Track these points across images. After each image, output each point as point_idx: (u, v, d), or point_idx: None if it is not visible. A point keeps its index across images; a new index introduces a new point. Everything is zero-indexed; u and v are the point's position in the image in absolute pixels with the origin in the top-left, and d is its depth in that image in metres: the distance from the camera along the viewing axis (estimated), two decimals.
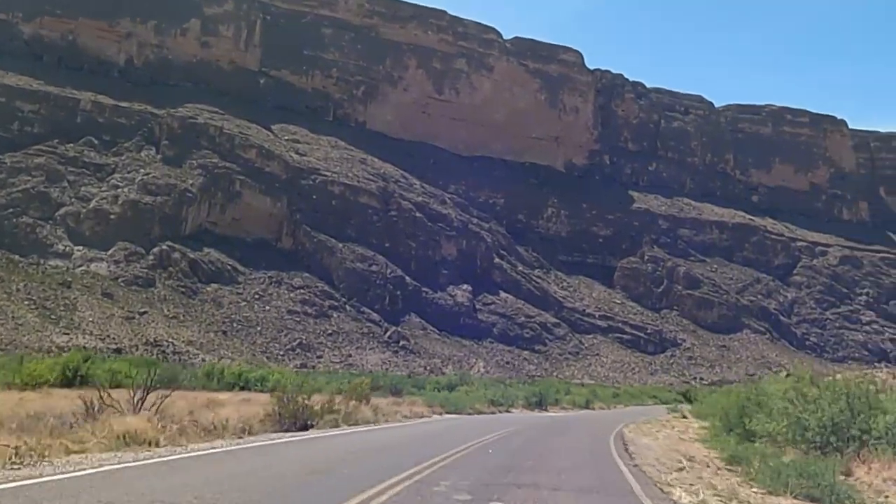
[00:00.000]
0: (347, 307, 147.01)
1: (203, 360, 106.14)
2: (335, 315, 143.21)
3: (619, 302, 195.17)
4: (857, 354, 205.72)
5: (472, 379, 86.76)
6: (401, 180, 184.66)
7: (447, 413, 55.61)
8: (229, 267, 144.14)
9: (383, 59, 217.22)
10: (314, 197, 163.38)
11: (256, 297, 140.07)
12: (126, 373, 42.45)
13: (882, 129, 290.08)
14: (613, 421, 54.47)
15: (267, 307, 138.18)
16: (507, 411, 67.39)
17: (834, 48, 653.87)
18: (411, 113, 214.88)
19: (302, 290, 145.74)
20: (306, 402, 33.44)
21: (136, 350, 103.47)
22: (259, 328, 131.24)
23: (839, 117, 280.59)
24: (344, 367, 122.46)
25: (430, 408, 55.34)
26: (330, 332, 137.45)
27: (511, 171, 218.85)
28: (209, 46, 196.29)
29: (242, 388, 54.33)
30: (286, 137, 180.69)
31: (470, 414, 57.04)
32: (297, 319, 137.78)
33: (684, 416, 62.04)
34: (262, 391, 50.94)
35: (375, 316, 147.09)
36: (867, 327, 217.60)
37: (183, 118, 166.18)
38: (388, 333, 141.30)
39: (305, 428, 32.07)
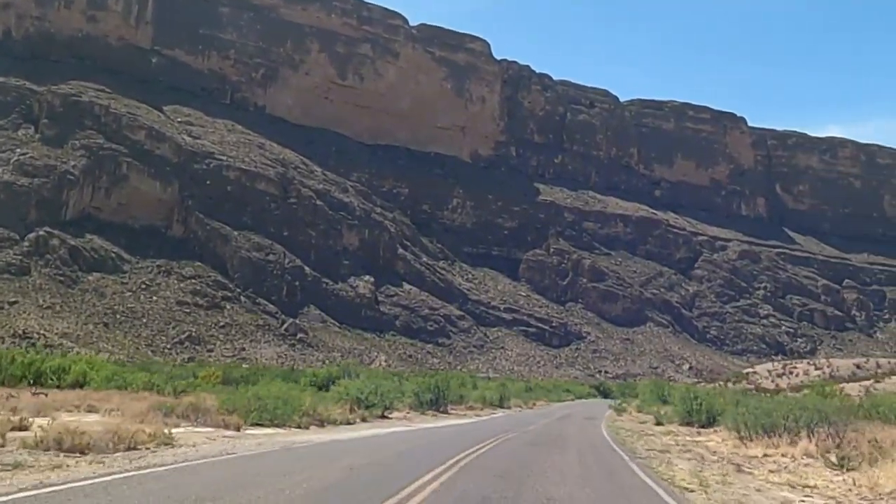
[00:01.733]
0: (242, 298, 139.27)
1: (78, 353, 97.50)
2: (228, 306, 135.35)
3: (524, 294, 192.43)
4: (755, 347, 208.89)
5: (360, 370, 73.00)
6: (301, 167, 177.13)
7: (252, 427, 30.63)
8: (114, 255, 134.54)
9: (284, 41, 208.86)
10: (208, 182, 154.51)
11: (143, 286, 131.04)
12: None
13: (778, 128, 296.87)
14: (575, 434, 36.61)
15: (154, 298, 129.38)
16: (384, 416, 44.59)
17: (733, 48, 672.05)
18: (313, 98, 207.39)
19: (193, 280, 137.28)
20: None
21: (2, 342, 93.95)
22: (145, 320, 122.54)
23: (739, 115, 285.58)
24: (237, 360, 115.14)
25: (225, 416, 30.28)
26: (222, 324, 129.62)
27: (416, 160, 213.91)
28: (96, 21, 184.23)
29: (33, 383, 41.39)
30: (179, 119, 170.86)
31: (298, 428, 32.66)
32: (187, 311, 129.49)
33: (659, 423, 47.52)
34: (58, 387, 40.62)
35: (272, 307, 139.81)
36: (764, 321, 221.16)
37: (65, 95, 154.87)
38: (285, 326, 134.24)
39: None
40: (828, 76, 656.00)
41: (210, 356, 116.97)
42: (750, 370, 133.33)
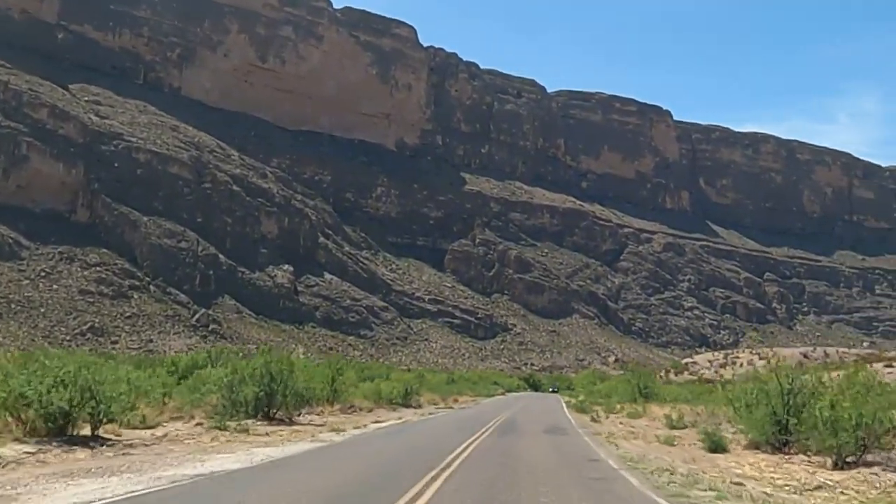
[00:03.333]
0: (151, 287, 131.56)
1: None
2: (136, 296, 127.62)
3: (449, 285, 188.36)
4: (679, 339, 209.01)
5: (233, 358, 59.35)
6: (217, 151, 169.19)
7: None
8: (11, 240, 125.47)
9: (201, 20, 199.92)
10: (116, 164, 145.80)
11: (42, 274, 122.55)
12: None
13: (702, 122, 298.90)
14: None
15: (55, 286, 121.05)
16: (96, 438, 21.80)
17: (659, 44, 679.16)
18: (232, 81, 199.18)
19: (98, 268, 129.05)
20: None
21: None
22: (43, 310, 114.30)
23: (664, 108, 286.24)
24: (143, 353, 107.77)
25: None
26: (129, 314, 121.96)
27: (339, 147, 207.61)
28: None
29: None
30: (86, 98, 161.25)
31: None
32: (91, 300, 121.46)
33: (718, 448, 25.90)
34: None
35: (183, 297, 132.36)
36: (689, 313, 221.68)
37: None
38: (197, 316, 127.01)
39: None
40: (748, 76, 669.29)
41: (114, 348, 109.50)
42: (689, 360, 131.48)
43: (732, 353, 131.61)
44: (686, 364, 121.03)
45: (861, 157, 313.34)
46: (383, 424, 35.25)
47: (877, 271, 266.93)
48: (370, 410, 43.83)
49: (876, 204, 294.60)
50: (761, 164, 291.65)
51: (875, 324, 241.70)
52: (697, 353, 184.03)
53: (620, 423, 41.65)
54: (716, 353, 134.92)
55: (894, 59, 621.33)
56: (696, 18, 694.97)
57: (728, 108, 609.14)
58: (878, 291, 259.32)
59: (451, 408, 56.94)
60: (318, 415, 37.19)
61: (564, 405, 62.61)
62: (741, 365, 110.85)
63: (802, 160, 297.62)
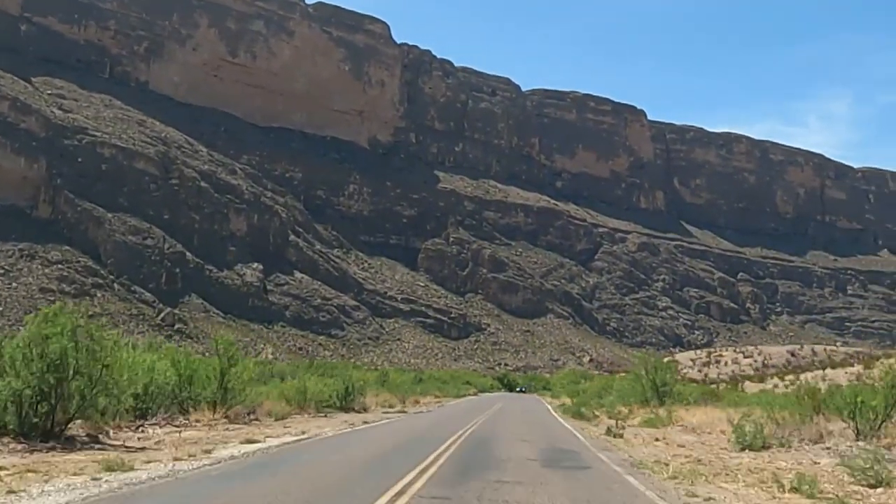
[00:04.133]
0: (115, 285, 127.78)
1: None
2: (99, 294, 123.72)
3: (422, 285, 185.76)
4: (654, 339, 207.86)
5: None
6: (185, 146, 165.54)
7: None
8: None
9: (170, 13, 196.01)
10: (80, 159, 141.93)
11: (1, 272, 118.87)
12: None
13: (677, 122, 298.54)
14: None
15: (14, 284, 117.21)
16: None
17: (633, 44, 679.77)
18: (200, 75, 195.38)
19: (60, 266, 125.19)
20: None
21: None
22: (2, 308, 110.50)
23: (639, 107, 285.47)
24: None
25: None
26: (91, 313, 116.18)
27: (311, 144, 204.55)
28: None
29: None
30: (49, 91, 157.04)
31: None
32: (52, 299, 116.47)
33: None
34: None
35: (149, 296, 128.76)
36: (663, 313, 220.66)
37: None
38: (162, 315, 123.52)
39: None
40: (722, 77, 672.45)
41: None
42: (670, 360, 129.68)
43: (715, 352, 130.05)
44: (667, 363, 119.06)
45: (833, 159, 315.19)
46: (256, 447, 20.89)
47: (849, 272, 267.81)
48: (282, 418, 32.39)
49: (848, 205, 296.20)
50: (735, 164, 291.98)
51: (847, 324, 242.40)
52: (672, 352, 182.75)
53: (657, 439, 28.04)
54: (698, 352, 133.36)
55: (863, 62, 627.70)
56: (671, 19, 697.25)
57: (702, 109, 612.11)
58: (850, 292, 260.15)
59: (405, 412, 46.32)
60: (179, 426, 25.10)
61: (552, 409, 53.60)
62: (725, 363, 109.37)
63: (775, 161, 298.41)
